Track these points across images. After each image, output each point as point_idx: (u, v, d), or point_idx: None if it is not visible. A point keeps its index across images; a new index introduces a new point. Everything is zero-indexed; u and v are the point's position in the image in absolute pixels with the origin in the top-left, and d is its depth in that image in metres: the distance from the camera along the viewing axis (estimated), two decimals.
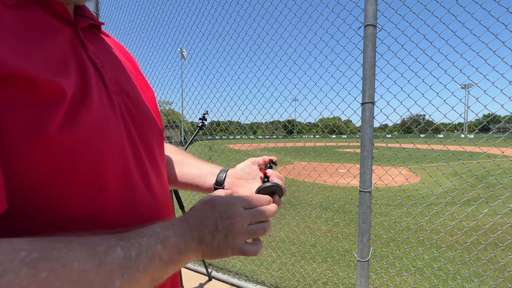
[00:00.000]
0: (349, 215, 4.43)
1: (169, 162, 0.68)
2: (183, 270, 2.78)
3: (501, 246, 2.03)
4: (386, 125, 2.28)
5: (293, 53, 2.51)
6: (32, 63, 0.31)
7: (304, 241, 3.54)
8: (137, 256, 0.32)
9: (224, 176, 0.66)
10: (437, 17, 1.62)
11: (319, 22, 2.18)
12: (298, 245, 3.42)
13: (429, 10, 1.63)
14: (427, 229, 3.33)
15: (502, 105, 1.64)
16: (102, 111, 0.38)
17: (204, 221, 0.41)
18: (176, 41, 3.52)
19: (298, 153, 3.30)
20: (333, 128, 3.39)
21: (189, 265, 2.87)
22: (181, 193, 2.63)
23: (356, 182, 1.77)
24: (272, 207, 0.48)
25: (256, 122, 4.07)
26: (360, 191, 1.65)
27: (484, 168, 1.80)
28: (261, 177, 0.63)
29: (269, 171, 0.59)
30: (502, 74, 1.58)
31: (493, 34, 1.58)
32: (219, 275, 2.67)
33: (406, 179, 6.64)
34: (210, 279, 2.65)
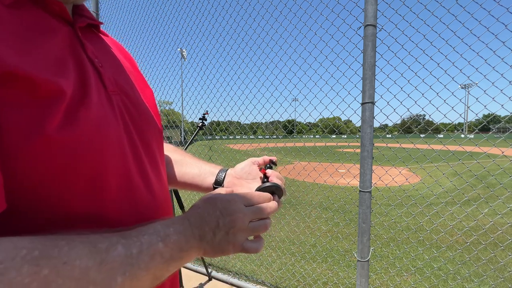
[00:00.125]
0: (349, 215, 4.43)
1: (168, 162, 0.68)
2: (183, 270, 2.78)
3: (501, 246, 2.03)
4: (386, 125, 2.28)
5: (293, 53, 2.52)
6: (32, 63, 0.31)
7: (304, 241, 3.54)
8: (139, 254, 0.32)
9: (223, 175, 0.66)
10: (437, 17, 1.62)
11: (319, 22, 2.19)
12: (298, 245, 3.42)
13: (429, 10, 1.63)
14: (427, 229, 3.33)
15: (502, 105, 1.64)
16: (101, 110, 0.38)
17: (205, 219, 0.41)
18: (176, 41, 3.52)
19: (298, 153, 3.30)
20: (333, 128, 3.39)
21: (189, 265, 2.87)
22: (181, 193, 2.63)
23: (356, 182, 1.77)
24: (272, 204, 0.48)
25: (256, 122, 4.07)
26: (360, 191, 1.65)
27: (484, 168, 1.80)
28: (260, 177, 0.63)
29: (269, 171, 0.60)
30: (502, 74, 1.58)
31: (493, 34, 1.58)
32: (219, 275, 2.67)
33: (406, 179, 6.65)
34: (210, 279, 2.65)
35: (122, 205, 0.39)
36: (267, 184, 0.53)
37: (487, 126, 2.65)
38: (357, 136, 3.56)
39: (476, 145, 1.70)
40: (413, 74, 1.87)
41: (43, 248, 0.25)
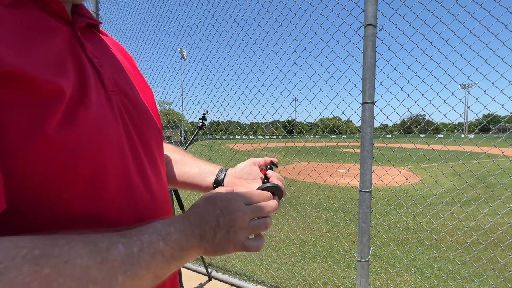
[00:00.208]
0: (349, 215, 4.43)
1: (168, 162, 0.68)
2: (183, 270, 2.78)
3: (501, 246, 2.03)
4: (386, 125, 2.28)
5: (293, 53, 2.52)
6: (32, 62, 0.31)
7: (304, 241, 3.54)
8: (139, 253, 0.32)
9: (223, 175, 0.66)
10: (437, 17, 1.62)
11: (319, 22, 2.19)
12: (298, 245, 3.42)
13: (429, 10, 1.63)
14: (427, 229, 3.33)
15: (502, 105, 1.64)
16: (101, 110, 0.38)
17: (205, 218, 0.41)
18: (176, 41, 3.52)
19: (298, 153, 3.30)
20: (333, 128, 3.39)
21: (189, 265, 2.87)
22: (181, 193, 2.63)
23: (356, 182, 1.77)
24: (272, 202, 0.48)
25: (256, 122, 4.07)
26: (360, 191, 1.65)
27: (484, 168, 1.80)
28: (261, 178, 0.63)
29: (269, 172, 0.60)
30: (502, 74, 1.58)
31: (493, 34, 1.58)
32: (219, 275, 2.67)
33: (406, 179, 6.64)
34: (210, 279, 2.65)
35: (121, 205, 0.39)
36: (268, 184, 0.53)
37: (487, 126, 2.65)
38: (357, 136, 3.56)
39: (476, 145, 1.70)
40: (413, 74, 1.87)
41: (43, 247, 0.25)
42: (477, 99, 1.61)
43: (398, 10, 1.79)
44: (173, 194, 2.32)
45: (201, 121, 2.47)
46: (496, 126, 1.95)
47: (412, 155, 1.95)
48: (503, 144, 2.10)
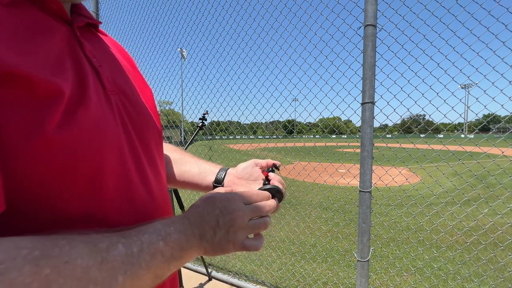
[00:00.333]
0: (349, 215, 4.43)
1: (167, 161, 0.68)
2: (183, 270, 2.78)
3: (501, 246, 2.03)
4: (386, 125, 2.28)
5: (293, 53, 2.52)
6: (31, 62, 0.31)
7: (304, 241, 3.54)
8: (139, 253, 0.32)
9: (223, 174, 0.66)
10: (437, 17, 1.62)
11: (319, 22, 2.19)
12: (298, 245, 3.42)
13: (429, 10, 1.63)
14: (427, 229, 3.33)
15: (502, 105, 1.64)
16: (100, 110, 0.37)
17: (205, 218, 0.41)
18: (176, 41, 3.52)
19: (298, 153, 3.30)
20: (333, 128, 3.39)
21: (189, 265, 2.87)
22: (181, 193, 2.63)
23: (356, 182, 1.77)
24: (271, 202, 0.48)
25: (256, 122, 4.07)
26: (360, 191, 1.65)
27: (484, 168, 1.80)
28: (262, 179, 0.63)
29: (271, 175, 0.60)
30: (502, 74, 1.58)
31: (493, 34, 1.58)
32: (219, 275, 2.67)
33: (406, 179, 6.65)
34: (210, 279, 2.65)
35: (120, 205, 0.39)
36: (268, 186, 0.53)
37: (487, 126, 2.65)
38: (357, 136, 3.56)
39: (476, 145, 1.70)
40: (413, 74, 1.87)
41: (44, 248, 0.25)
42: (477, 99, 1.61)
43: (398, 10, 1.79)
44: (173, 194, 2.32)
45: (201, 121, 2.47)
46: (496, 126, 1.95)
47: (412, 155, 1.95)
48: (503, 144, 2.10)
